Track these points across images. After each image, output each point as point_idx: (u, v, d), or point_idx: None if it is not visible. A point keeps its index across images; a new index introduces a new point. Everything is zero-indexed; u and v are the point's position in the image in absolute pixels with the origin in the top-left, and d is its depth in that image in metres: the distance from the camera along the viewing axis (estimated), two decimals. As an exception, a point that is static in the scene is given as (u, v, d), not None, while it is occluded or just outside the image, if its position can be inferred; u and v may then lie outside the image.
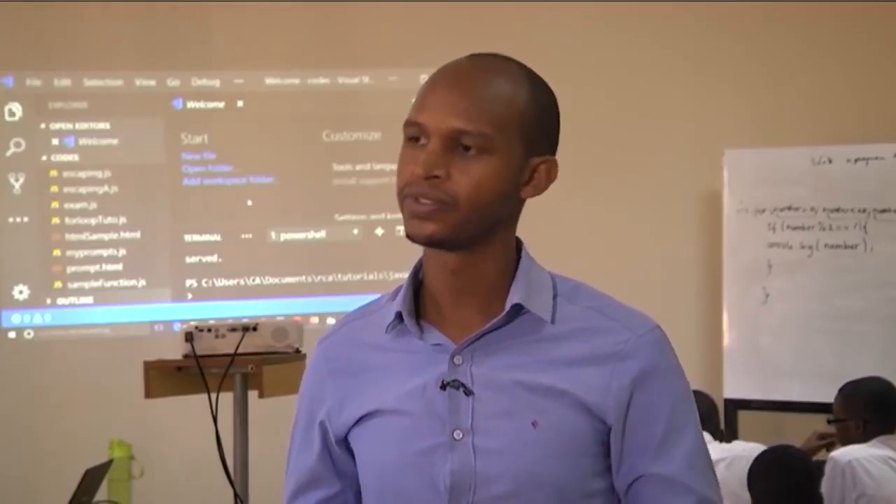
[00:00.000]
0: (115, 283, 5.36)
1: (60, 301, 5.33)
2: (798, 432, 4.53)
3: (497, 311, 1.48)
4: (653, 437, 1.48)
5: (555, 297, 1.51)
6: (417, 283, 1.54)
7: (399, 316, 1.51)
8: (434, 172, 1.42)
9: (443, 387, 1.47)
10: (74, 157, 5.35)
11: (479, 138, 1.42)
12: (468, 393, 1.47)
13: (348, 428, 1.55)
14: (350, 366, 1.56)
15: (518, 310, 1.48)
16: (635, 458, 1.48)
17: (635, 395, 1.47)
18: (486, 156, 1.43)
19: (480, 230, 1.46)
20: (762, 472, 3.55)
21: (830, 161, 5.11)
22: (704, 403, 4.26)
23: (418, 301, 1.53)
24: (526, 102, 1.46)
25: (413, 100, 1.48)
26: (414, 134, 1.45)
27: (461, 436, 1.46)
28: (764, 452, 3.69)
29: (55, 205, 5.34)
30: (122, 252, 5.36)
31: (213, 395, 3.02)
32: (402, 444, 1.49)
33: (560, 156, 1.53)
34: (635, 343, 1.48)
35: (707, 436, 4.18)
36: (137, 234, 5.38)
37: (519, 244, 1.53)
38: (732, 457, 3.97)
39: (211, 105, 5.44)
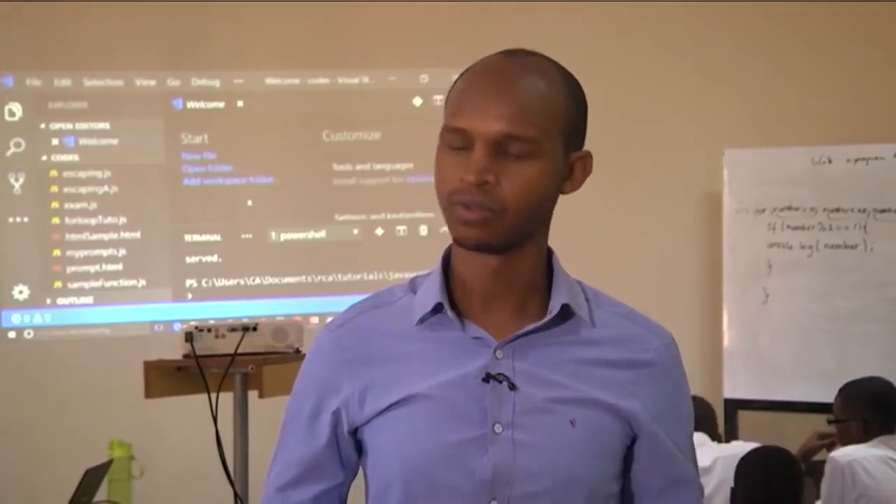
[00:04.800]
0: (115, 283, 5.36)
1: (60, 301, 5.33)
2: (798, 432, 4.54)
3: (532, 309, 1.50)
4: (675, 446, 1.53)
5: (587, 300, 1.54)
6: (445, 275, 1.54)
7: (435, 307, 1.50)
8: (485, 178, 1.42)
9: (486, 379, 1.47)
10: (74, 157, 5.35)
11: (527, 143, 1.42)
12: (512, 387, 1.47)
13: (370, 418, 1.52)
14: (372, 355, 1.53)
15: (564, 311, 1.50)
16: (662, 467, 1.53)
17: (663, 405, 1.52)
18: (532, 160, 1.43)
19: (526, 232, 1.47)
20: (748, 471, 3.56)
21: (830, 161, 5.11)
22: (703, 409, 4.27)
23: (448, 292, 1.52)
24: (564, 101, 1.47)
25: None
26: (456, 143, 1.44)
27: (501, 430, 1.46)
28: (751, 452, 3.69)
29: (55, 205, 5.34)
30: (122, 252, 5.37)
31: (213, 395, 3.02)
32: (437, 433, 1.47)
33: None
34: (663, 352, 1.53)
35: (704, 437, 4.20)
36: (137, 234, 5.38)
37: (549, 250, 1.55)
38: (731, 456, 3.96)
39: (211, 105, 5.44)
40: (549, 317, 1.49)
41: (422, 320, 1.51)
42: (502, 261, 1.48)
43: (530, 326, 1.48)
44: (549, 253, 1.54)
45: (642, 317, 1.55)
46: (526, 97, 1.43)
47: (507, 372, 1.47)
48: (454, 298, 1.52)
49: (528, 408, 1.46)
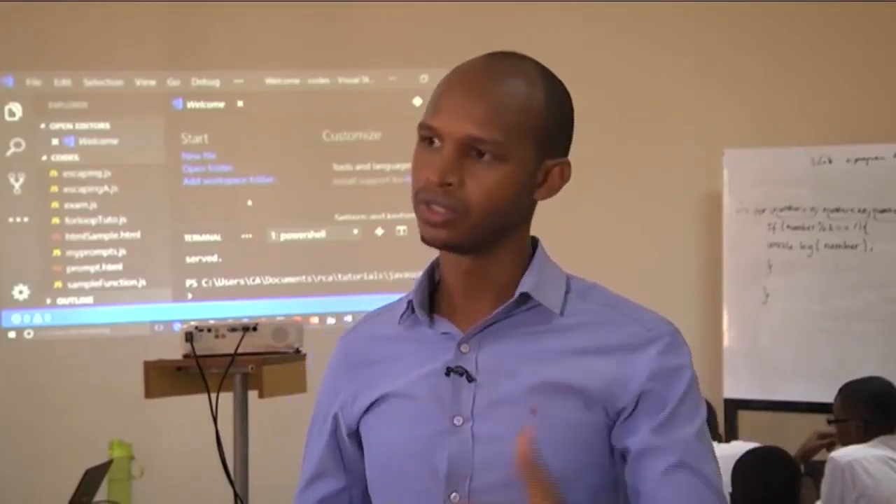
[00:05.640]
0: (115, 283, 5.36)
1: (60, 301, 5.33)
2: (798, 432, 4.54)
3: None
4: (657, 418, 1.45)
5: (567, 292, 1.52)
6: (435, 278, 1.56)
7: (411, 306, 1.52)
8: (447, 180, 1.42)
9: (447, 373, 1.49)
10: (74, 157, 5.36)
11: (494, 146, 1.42)
12: (470, 380, 1.48)
13: (360, 417, 1.56)
14: (367, 358, 1.58)
15: (526, 300, 1.49)
16: (638, 432, 1.45)
17: (645, 387, 1.46)
18: (499, 163, 1.43)
19: (493, 234, 1.47)
20: (746, 472, 3.55)
21: (830, 161, 5.11)
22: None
23: (434, 295, 1.54)
24: (542, 105, 1.46)
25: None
26: (428, 135, 1.46)
27: (461, 422, 1.47)
28: (748, 452, 3.68)
29: (55, 205, 5.34)
30: (122, 252, 5.37)
31: (213, 395, 3.02)
32: (406, 428, 1.50)
33: (560, 156, 1.52)
34: (645, 337, 1.48)
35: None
36: (137, 234, 5.38)
37: (535, 242, 1.54)
38: (731, 456, 3.96)
39: (211, 105, 5.44)
40: (505, 304, 1.48)
41: (401, 319, 1.54)
42: (474, 262, 1.49)
43: (490, 317, 1.49)
44: (535, 247, 1.54)
45: (633, 306, 1.52)
46: (497, 100, 1.43)
47: (469, 365, 1.48)
48: (440, 298, 1.54)
49: (488, 399, 1.47)
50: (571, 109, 1.51)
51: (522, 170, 1.45)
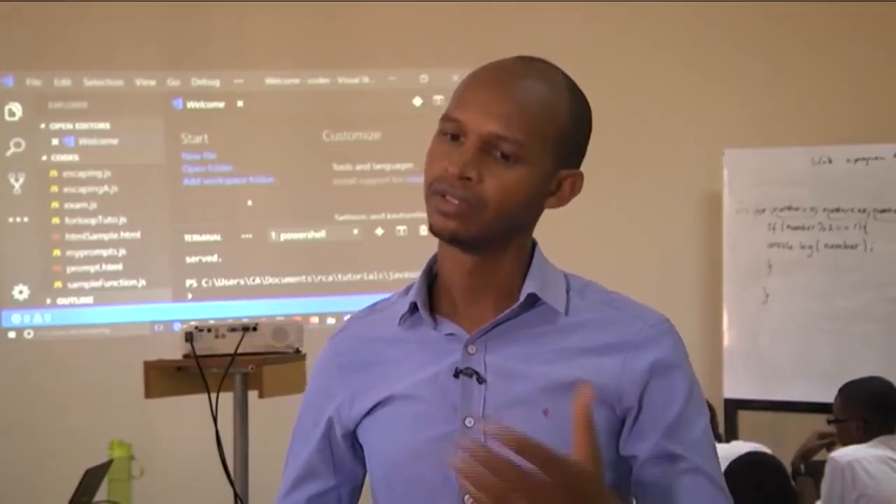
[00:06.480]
0: (115, 283, 5.36)
1: (60, 301, 5.33)
2: (798, 432, 4.54)
3: (511, 306, 1.50)
4: (665, 420, 1.47)
5: (567, 290, 1.53)
6: (431, 278, 1.55)
7: (413, 307, 1.52)
8: (468, 174, 1.42)
9: (456, 375, 1.48)
10: (74, 157, 5.36)
11: (516, 146, 1.43)
12: (481, 381, 1.48)
13: (359, 420, 1.56)
14: (362, 360, 1.57)
15: (532, 300, 1.49)
16: (647, 438, 1.47)
17: (652, 382, 1.47)
18: (518, 164, 1.43)
19: (501, 234, 1.47)
20: (736, 482, 3.53)
21: (830, 161, 5.11)
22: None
23: (432, 295, 1.54)
24: (565, 115, 1.47)
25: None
26: (452, 130, 1.45)
27: (473, 423, 1.47)
28: (735, 461, 3.66)
29: (55, 205, 5.34)
30: (122, 252, 5.37)
31: (213, 395, 3.02)
32: (414, 431, 1.50)
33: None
34: (648, 332, 1.49)
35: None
36: (137, 234, 5.38)
37: (533, 244, 1.55)
38: (730, 456, 3.96)
39: (211, 105, 5.44)
40: (513, 307, 1.49)
41: (402, 320, 1.54)
42: (477, 263, 1.49)
43: (497, 318, 1.49)
44: (533, 248, 1.55)
45: (630, 302, 1.53)
46: (524, 100, 1.44)
47: (478, 366, 1.48)
48: (438, 298, 1.53)
49: (499, 401, 1.47)
50: (591, 125, 1.53)
51: (539, 174, 1.46)
